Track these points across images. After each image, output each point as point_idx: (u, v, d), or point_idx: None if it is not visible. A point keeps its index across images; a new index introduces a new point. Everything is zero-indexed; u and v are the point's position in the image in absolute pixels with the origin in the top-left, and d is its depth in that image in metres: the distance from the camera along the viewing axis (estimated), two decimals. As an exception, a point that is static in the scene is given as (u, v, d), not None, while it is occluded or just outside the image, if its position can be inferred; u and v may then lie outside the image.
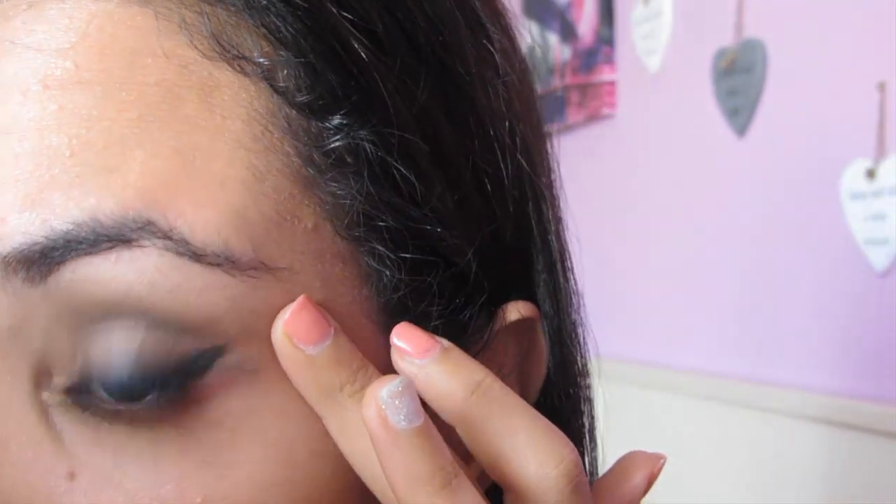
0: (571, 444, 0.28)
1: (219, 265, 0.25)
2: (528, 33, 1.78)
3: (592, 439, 0.38)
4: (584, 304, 0.37)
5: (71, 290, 0.25)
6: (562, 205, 0.38)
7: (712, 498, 1.20)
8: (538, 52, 1.69)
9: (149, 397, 0.26)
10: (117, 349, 0.25)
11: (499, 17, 0.34)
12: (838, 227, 1.03)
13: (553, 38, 1.65)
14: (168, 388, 0.26)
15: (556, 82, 1.63)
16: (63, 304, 0.25)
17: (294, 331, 0.26)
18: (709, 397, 1.21)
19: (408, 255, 0.29)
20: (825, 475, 1.03)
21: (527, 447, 0.27)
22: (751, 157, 1.17)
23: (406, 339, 0.28)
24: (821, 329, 1.07)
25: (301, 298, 0.27)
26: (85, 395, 0.26)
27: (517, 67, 0.34)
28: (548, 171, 0.37)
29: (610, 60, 1.48)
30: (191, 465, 0.26)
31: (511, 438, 0.28)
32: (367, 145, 0.28)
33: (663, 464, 0.30)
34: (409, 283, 0.29)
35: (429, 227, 0.29)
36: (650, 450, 0.30)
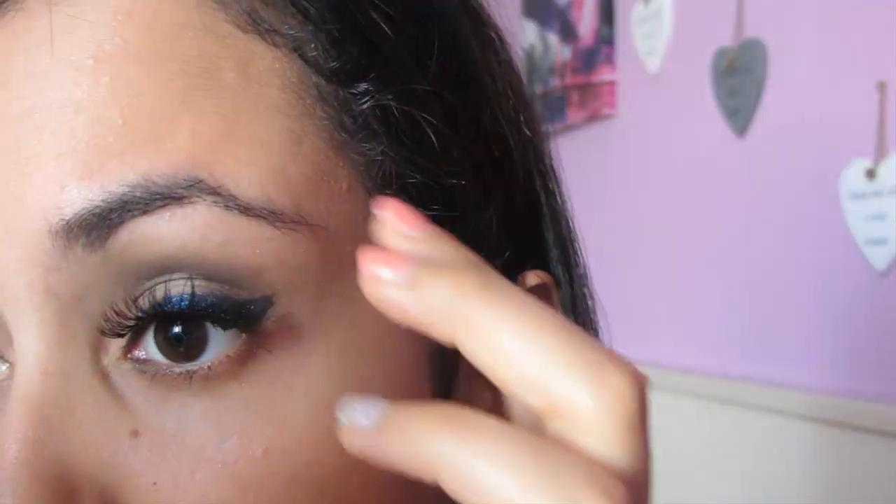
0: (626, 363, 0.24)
1: (264, 218, 0.27)
2: (527, 33, 1.77)
3: None
4: (591, 278, 0.39)
5: (129, 251, 0.27)
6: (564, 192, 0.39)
7: (712, 498, 1.20)
8: (538, 51, 1.69)
9: (207, 354, 0.27)
10: (173, 300, 0.27)
11: (481, 10, 0.37)
12: (838, 227, 1.03)
13: (553, 38, 1.64)
14: (226, 340, 0.27)
15: (556, 82, 1.63)
16: (121, 265, 0.27)
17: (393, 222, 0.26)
18: (709, 397, 1.21)
19: (433, 213, 0.30)
20: (825, 475, 1.03)
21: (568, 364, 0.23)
22: (751, 157, 1.17)
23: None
24: (821, 329, 1.07)
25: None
26: (143, 356, 0.28)
27: (509, 55, 0.37)
28: (550, 155, 0.38)
29: (610, 60, 1.48)
30: (253, 420, 0.27)
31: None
32: (392, 106, 0.30)
33: None
34: None
35: (453, 182, 0.31)
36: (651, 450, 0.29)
